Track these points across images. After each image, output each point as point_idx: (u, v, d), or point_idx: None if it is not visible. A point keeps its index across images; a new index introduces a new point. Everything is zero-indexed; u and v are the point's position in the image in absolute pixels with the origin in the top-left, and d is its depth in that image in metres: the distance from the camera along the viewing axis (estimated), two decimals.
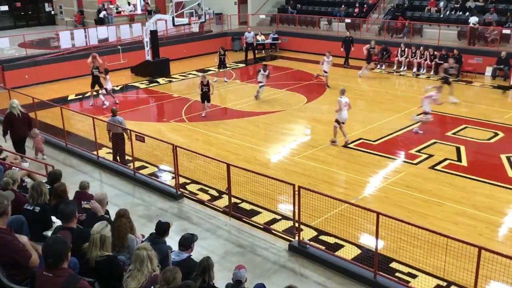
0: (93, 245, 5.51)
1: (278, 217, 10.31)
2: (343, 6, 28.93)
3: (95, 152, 13.16)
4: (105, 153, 13.50)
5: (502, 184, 11.58)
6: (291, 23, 30.02)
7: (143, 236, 7.40)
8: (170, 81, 22.87)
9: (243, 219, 10.19)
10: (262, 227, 9.95)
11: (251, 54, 27.04)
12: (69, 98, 19.85)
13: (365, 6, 28.45)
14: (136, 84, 22.20)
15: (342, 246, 9.19)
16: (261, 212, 10.51)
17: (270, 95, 19.93)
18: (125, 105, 18.62)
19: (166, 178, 12.21)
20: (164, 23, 26.62)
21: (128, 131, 12.42)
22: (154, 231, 6.72)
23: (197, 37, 28.24)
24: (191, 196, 11.27)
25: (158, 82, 22.57)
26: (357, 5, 28.64)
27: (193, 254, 6.40)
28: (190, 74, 24.08)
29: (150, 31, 22.79)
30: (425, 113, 15.08)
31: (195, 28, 24.70)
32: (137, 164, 12.45)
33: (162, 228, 6.68)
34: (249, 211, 10.53)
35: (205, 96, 16.97)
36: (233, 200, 10.53)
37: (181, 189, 11.37)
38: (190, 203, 11.04)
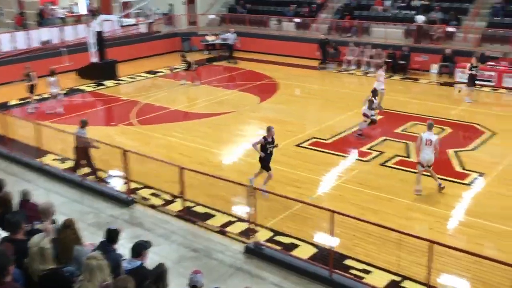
0: (32, 259, 5.21)
1: (233, 219, 10.19)
2: (292, 5, 29.12)
3: (39, 159, 12.60)
4: (51, 160, 12.97)
5: (450, 178, 11.90)
6: (241, 23, 29.96)
7: (92, 245, 7.10)
8: (118, 84, 22.30)
9: (198, 222, 10.01)
10: (217, 230, 9.80)
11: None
12: (10, 104, 18.95)
13: (313, 5, 28.75)
14: (82, 87, 21.49)
15: (297, 245, 9.17)
16: (215, 215, 10.36)
17: (222, 96, 19.78)
18: (71, 110, 17.94)
19: (116, 184, 11.84)
20: (111, 24, 25.93)
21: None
22: (104, 239, 6.47)
23: (145, 38, 27.70)
24: (143, 201, 10.98)
25: (105, 84, 21.94)
26: (306, 4, 28.90)
27: (146, 261, 6.21)
28: (139, 76, 23.56)
29: (96, 32, 22.15)
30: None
31: (143, 29, 24.20)
32: (85, 170, 12.02)
33: (112, 235, 6.45)
34: (203, 215, 10.35)
35: None
36: (187, 203, 10.33)
37: (132, 195, 11.06)
38: (142, 208, 10.76)
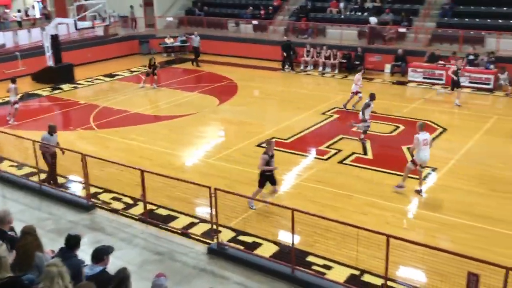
0: None
1: (196, 220, 10.24)
2: (249, 8, 29.34)
3: None
4: (7, 167, 12.66)
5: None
6: (199, 25, 29.95)
7: (53, 252, 7.03)
8: (76, 87, 21.90)
9: (160, 225, 10.02)
10: (180, 232, 9.84)
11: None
12: None
13: (270, 8, 29.05)
14: (38, 92, 21.01)
15: (260, 244, 9.32)
16: (178, 217, 10.38)
17: (182, 98, 19.75)
18: (26, 115, 17.53)
19: (76, 189, 11.68)
20: (66, 27, 25.42)
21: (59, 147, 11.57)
22: (64, 246, 6.42)
23: (102, 41, 27.29)
24: (104, 206, 10.89)
25: (62, 88, 21.52)
26: (262, 7, 29.17)
27: (109, 266, 6.18)
28: (97, 79, 23.21)
29: (51, 35, 21.68)
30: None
31: (99, 32, 23.84)
32: (43, 176, 11.80)
33: (72, 241, 6.39)
34: (166, 217, 10.36)
35: None
36: (149, 206, 10.32)
37: (92, 199, 10.95)
38: (103, 213, 10.66)
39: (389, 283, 7.70)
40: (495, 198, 10.94)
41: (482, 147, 13.96)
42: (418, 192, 11.28)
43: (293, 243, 8.26)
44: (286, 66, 24.30)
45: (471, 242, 9.25)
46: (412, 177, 11.70)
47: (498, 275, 6.60)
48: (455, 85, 18.04)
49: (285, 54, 24.21)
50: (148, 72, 21.28)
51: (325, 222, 8.31)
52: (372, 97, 14.55)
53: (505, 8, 22.93)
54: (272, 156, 10.36)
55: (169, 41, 28.25)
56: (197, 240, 9.53)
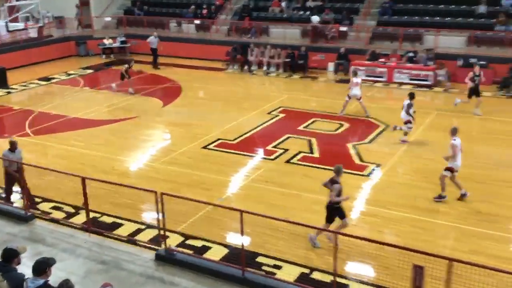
0: None
1: (143, 227, 9.97)
2: (191, 7, 29.02)
3: None
4: None
5: (351, 171, 12.47)
6: (139, 25, 29.32)
7: None
8: (9, 92, 20.87)
9: (104, 233, 9.66)
10: (125, 239, 9.53)
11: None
12: None
13: (212, 7, 28.86)
14: None
15: (209, 248, 9.19)
16: (124, 224, 10.08)
17: (124, 101, 19.23)
18: None
19: (13, 200, 11.07)
20: None
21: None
22: (1, 259, 6.09)
23: (36, 43, 26.13)
24: (44, 216, 10.38)
25: None
26: (205, 6, 28.92)
27: (51, 278, 5.96)
28: (32, 83, 22.19)
29: None
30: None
31: (33, 33, 22.79)
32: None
33: (8, 255, 6.14)
34: (110, 225, 10.02)
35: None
36: (92, 215, 9.93)
37: (31, 210, 10.41)
38: (43, 223, 10.19)
39: (338, 279, 7.75)
40: (435, 191, 11.27)
41: (423, 142, 14.40)
42: (464, 196, 10.84)
43: (242, 245, 8.16)
44: (246, 67, 24.04)
45: (416, 235, 9.50)
46: (353, 173, 11.89)
47: (442, 266, 6.78)
48: (473, 93, 16.60)
49: (238, 55, 24.07)
50: (127, 74, 20.05)
51: (274, 222, 8.28)
52: (412, 96, 14.26)
53: (442, 6, 23.80)
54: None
55: (107, 42, 27.48)
56: (144, 246, 9.28)
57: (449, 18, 23.08)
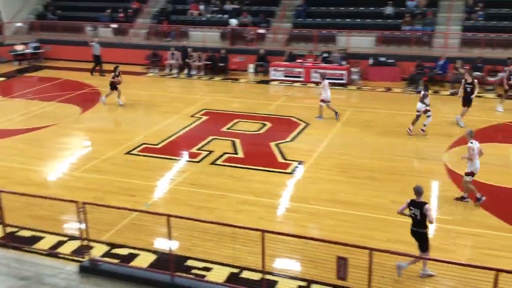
0: None
1: (65, 238, 9.61)
2: (107, 11, 28.26)
3: None
4: None
5: (274, 169, 12.82)
6: (53, 30, 28.13)
7: None
8: None
9: (24, 248, 9.23)
10: (47, 253, 9.16)
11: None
12: None
13: (130, 10, 28.29)
14: None
15: (137, 255, 9.03)
16: (44, 237, 9.65)
17: (39, 109, 18.39)
18: None
19: None
20: None
21: None
22: None
23: None
24: None
25: None
26: (121, 9, 28.27)
27: None
28: None
29: None
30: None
31: None
32: None
33: None
34: (30, 239, 9.57)
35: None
36: (9, 229, 9.44)
37: None
38: None
39: (267, 276, 7.93)
40: (354, 185, 11.84)
41: (341, 138, 15.03)
42: (463, 199, 10.85)
43: (170, 250, 8.13)
44: (186, 71, 23.72)
45: (338, 227, 9.91)
46: (277, 171, 12.22)
47: (364, 256, 7.13)
48: (465, 102, 15.74)
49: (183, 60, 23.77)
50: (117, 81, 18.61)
51: (202, 225, 8.32)
52: (427, 87, 15.26)
53: (352, 8, 24.93)
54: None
55: (19, 48, 26.13)
56: (67, 259, 8.95)
57: (359, 20, 24.23)
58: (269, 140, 14.81)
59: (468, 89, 15.56)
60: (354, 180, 12.05)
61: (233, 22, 25.36)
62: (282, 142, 14.65)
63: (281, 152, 13.90)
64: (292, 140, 14.96)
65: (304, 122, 16.43)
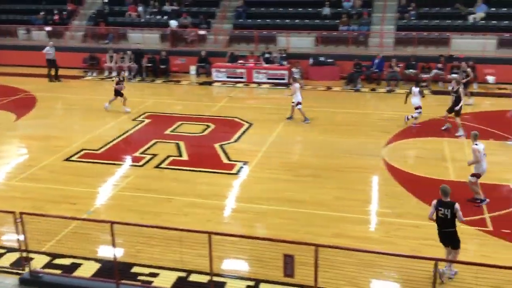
0: None
1: (3, 251, 9.20)
2: (41, 13, 27.20)
3: None
4: None
5: (219, 170, 12.82)
6: None
7: None
8: None
9: None
10: None
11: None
12: None
13: (64, 12, 27.38)
14: None
15: (80, 264, 8.78)
16: None
17: None
18: None
19: None
20: None
21: None
22: None
23: None
24: None
25: None
26: (56, 12, 27.31)
27: None
28: None
29: None
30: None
31: None
32: None
33: None
34: None
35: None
36: None
37: None
38: None
39: (215, 278, 7.92)
40: (298, 183, 12.02)
41: (284, 137, 15.22)
42: (475, 200, 10.69)
43: (115, 257, 7.95)
44: (139, 76, 23.12)
45: (284, 226, 10.03)
46: (222, 172, 12.23)
47: (310, 253, 7.26)
48: (451, 109, 14.89)
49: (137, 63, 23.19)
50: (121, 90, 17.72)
51: (147, 230, 8.20)
52: (418, 83, 16.39)
53: (290, 9, 25.29)
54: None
55: None
56: (6, 272, 8.57)
57: (298, 20, 24.63)
58: (214, 141, 14.79)
59: (454, 97, 14.68)
60: (299, 178, 12.23)
61: (173, 23, 25.10)
62: (227, 143, 14.67)
63: (225, 153, 13.90)
64: (236, 140, 15.00)
65: (248, 122, 16.51)
